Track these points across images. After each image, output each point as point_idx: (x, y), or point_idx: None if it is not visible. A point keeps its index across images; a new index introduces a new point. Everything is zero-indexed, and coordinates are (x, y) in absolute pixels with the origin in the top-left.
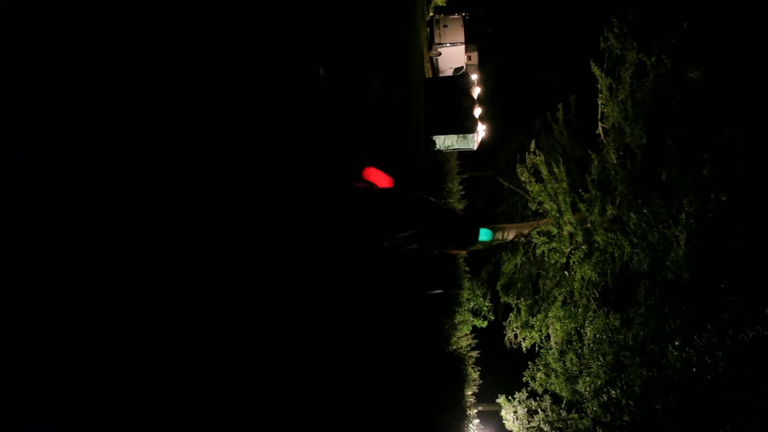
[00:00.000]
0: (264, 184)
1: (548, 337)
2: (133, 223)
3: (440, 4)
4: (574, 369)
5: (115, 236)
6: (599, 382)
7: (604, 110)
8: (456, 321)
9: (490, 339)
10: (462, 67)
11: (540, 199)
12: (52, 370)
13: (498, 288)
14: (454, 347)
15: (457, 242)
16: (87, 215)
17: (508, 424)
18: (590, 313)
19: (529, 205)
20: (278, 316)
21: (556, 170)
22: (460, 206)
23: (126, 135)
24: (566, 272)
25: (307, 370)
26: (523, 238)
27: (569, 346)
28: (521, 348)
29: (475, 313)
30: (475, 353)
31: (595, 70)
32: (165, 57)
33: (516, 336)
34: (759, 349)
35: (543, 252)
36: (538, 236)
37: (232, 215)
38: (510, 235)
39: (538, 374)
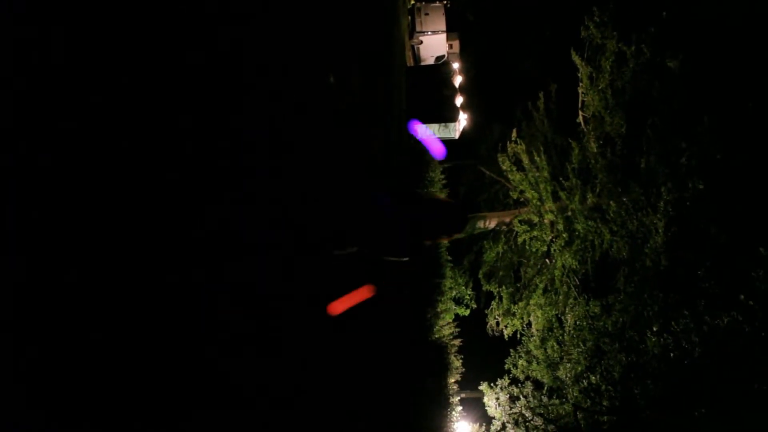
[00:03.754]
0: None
1: (530, 324)
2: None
3: None
4: (555, 356)
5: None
6: (579, 369)
7: (585, 99)
8: (438, 310)
9: (472, 327)
10: (443, 56)
11: (521, 187)
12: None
13: (480, 276)
14: (436, 336)
15: (445, 230)
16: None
17: (491, 411)
18: (571, 301)
19: (511, 193)
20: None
21: (537, 159)
22: (442, 195)
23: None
24: (547, 260)
25: (294, 369)
26: (504, 227)
27: (550, 333)
28: (503, 335)
29: (458, 301)
30: (457, 341)
31: (576, 59)
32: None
33: (498, 324)
34: (734, 335)
35: (524, 240)
36: (519, 225)
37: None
38: (491, 224)
39: (520, 361)
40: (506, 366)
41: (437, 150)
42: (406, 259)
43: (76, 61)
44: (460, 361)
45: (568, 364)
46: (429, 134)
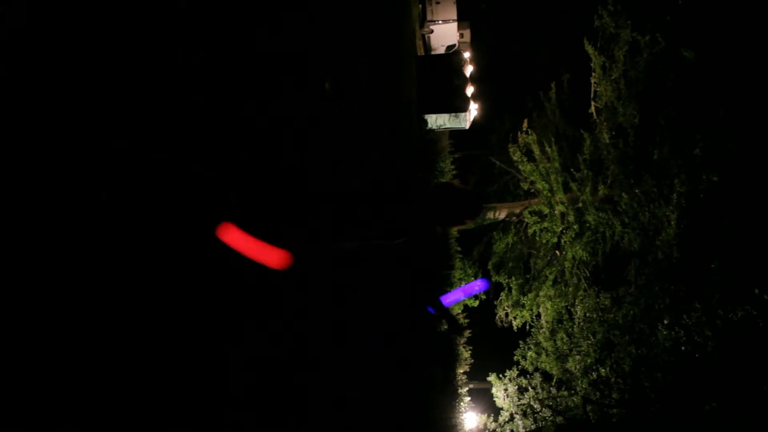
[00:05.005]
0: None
1: (539, 316)
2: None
3: None
4: (564, 348)
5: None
6: (589, 361)
7: (597, 89)
8: None
9: (481, 318)
10: (454, 45)
11: (532, 178)
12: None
13: (489, 267)
14: (445, 327)
15: (458, 217)
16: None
17: (499, 402)
18: (581, 292)
19: (521, 184)
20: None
21: (548, 150)
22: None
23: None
24: (557, 251)
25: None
26: (514, 218)
27: (560, 325)
28: (512, 327)
29: None
30: (466, 332)
31: (589, 49)
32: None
33: (507, 315)
34: (748, 329)
35: (534, 231)
36: (529, 216)
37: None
38: (501, 215)
39: (529, 353)
40: (515, 357)
41: None
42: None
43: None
44: (469, 352)
45: (578, 356)
46: None
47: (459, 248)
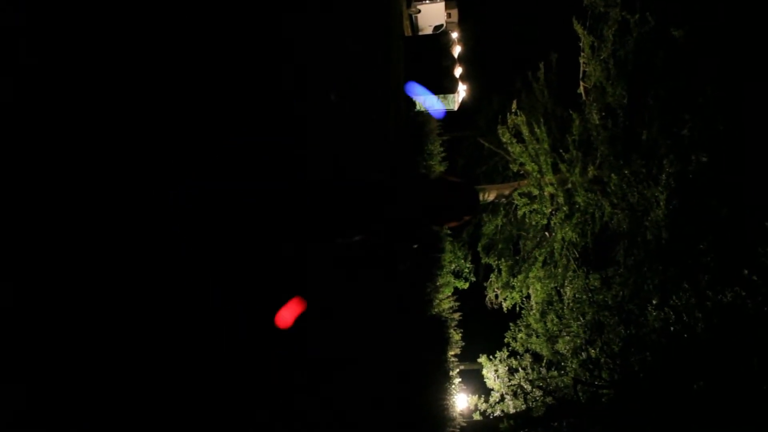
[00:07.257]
0: None
1: (529, 297)
2: None
3: None
4: (554, 329)
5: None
6: (579, 341)
7: (586, 69)
8: (438, 284)
9: (471, 300)
10: (442, 25)
11: (521, 160)
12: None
13: (479, 249)
14: (436, 310)
15: (455, 214)
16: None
17: (489, 383)
18: (570, 273)
19: (510, 166)
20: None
21: (537, 131)
22: (441, 168)
23: None
24: (547, 233)
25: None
26: (503, 200)
27: (550, 306)
28: (502, 308)
29: (457, 274)
30: (457, 315)
31: (578, 28)
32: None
33: (497, 296)
34: (737, 310)
35: (524, 213)
36: (519, 197)
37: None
38: (491, 196)
39: (519, 335)
40: (506, 339)
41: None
42: (415, 245)
43: None
44: (460, 334)
45: (568, 338)
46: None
47: (449, 231)
